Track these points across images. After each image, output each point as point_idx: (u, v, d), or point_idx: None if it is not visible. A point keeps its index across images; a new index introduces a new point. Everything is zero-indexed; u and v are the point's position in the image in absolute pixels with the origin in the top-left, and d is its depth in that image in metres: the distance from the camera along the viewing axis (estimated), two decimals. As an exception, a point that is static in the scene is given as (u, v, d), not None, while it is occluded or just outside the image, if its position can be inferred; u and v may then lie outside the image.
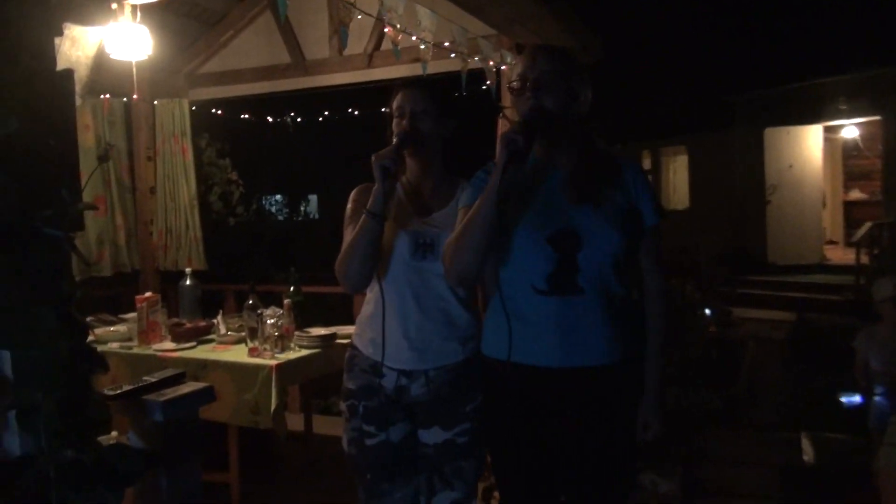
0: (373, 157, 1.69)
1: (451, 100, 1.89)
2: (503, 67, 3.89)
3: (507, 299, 1.67)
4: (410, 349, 1.79)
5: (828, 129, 10.59)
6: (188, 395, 1.55)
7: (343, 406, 1.88)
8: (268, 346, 2.95)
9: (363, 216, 1.71)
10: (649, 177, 11.87)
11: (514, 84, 1.67)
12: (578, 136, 1.71)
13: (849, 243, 10.29)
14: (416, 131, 1.78)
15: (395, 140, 1.77)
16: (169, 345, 3.15)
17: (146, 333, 3.19)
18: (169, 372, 1.67)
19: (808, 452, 3.68)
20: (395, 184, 1.77)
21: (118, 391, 1.56)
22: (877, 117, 9.57)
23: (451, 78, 3.88)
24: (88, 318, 3.39)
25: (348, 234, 1.80)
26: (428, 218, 1.83)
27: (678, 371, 4.74)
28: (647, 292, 1.76)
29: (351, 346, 1.93)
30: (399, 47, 3.20)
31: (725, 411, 4.85)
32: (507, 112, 3.87)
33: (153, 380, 1.61)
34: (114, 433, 1.80)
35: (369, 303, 1.87)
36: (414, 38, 3.35)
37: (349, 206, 1.87)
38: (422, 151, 1.82)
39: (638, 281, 1.78)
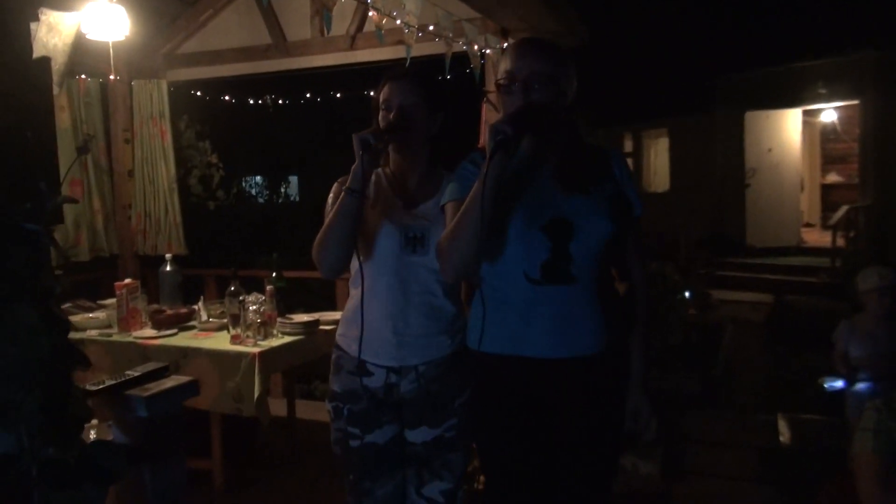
0: (354, 135, 1.65)
1: (440, 93, 1.84)
2: (487, 51, 3.86)
3: (498, 290, 1.67)
4: (399, 344, 1.77)
5: (806, 113, 10.68)
6: (172, 389, 1.53)
7: (328, 406, 1.87)
8: (250, 334, 2.93)
9: (342, 194, 1.67)
10: (630, 160, 11.96)
11: (502, 81, 1.65)
12: (565, 127, 1.71)
13: (825, 226, 10.44)
14: (405, 125, 1.74)
15: (381, 126, 1.73)
16: (149, 332, 3.12)
17: (126, 320, 3.15)
18: (152, 365, 1.65)
19: (784, 434, 3.74)
20: (377, 162, 1.71)
21: (100, 386, 1.53)
22: (855, 101, 9.66)
23: (434, 62, 3.85)
24: (66, 305, 3.33)
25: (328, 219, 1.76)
26: (415, 210, 1.81)
27: (658, 354, 4.80)
28: (632, 280, 1.78)
29: (335, 346, 1.89)
30: (382, 31, 3.16)
31: (704, 394, 4.92)
32: (491, 97, 3.85)
33: (136, 374, 1.58)
34: (94, 421, 1.78)
35: (354, 298, 1.83)
36: (398, 21, 3.30)
37: (330, 196, 1.84)
38: (409, 145, 1.79)
39: (620, 267, 1.80)
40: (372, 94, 1.87)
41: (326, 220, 1.73)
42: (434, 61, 3.83)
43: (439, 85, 1.88)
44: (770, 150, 10.27)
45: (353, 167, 1.65)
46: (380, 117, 1.79)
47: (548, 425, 1.70)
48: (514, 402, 1.69)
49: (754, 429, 4.12)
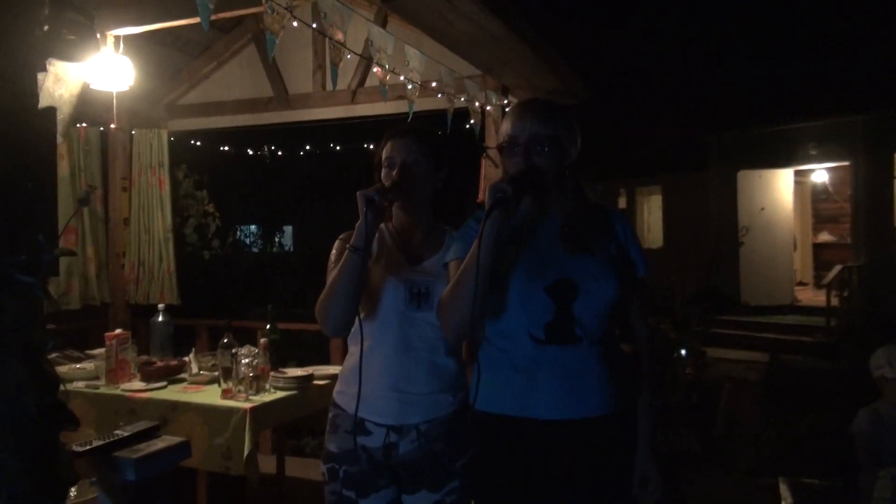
0: (358, 192, 1.63)
1: (443, 149, 1.84)
2: (488, 108, 3.90)
3: (502, 350, 1.64)
4: (400, 402, 1.72)
5: (798, 173, 10.85)
6: (163, 451, 1.46)
7: (323, 468, 1.80)
8: (242, 388, 2.85)
9: (346, 252, 1.64)
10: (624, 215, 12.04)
11: (504, 143, 1.65)
12: (569, 186, 1.70)
13: (819, 285, 10.48)
14: (408, 183, 1.72)
15: (385, 184, 1.72)
16: (138, 384, 3.03)
17: (115, 372, 3.06)
18: (143, 424, 1.58)
19: (787, 499, 3.64)
20: (381, 219, 1.69)
21: (87, 447, 1.46)
22: (846, 163, 9.82)
23: (435, 116, 3.88)
24: (54, 354, 3.25)
25: (331, 278, 1.72)
26: (419, 266, 1.78)
27: (659, 414, 4.72)
28: (637, 339, 1.75)
29: (333, 404, 1.83)
30: (386, 87, 3.19)
31: (704, 454, 4.83)
32: (491, 153, 3.88)
33: (125, 433, 1.51)
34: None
35: (354, 355, 1.78)
36: (402, 77, 3.34)
37: (333, 252, 1.81)
38: (412, 202, 1.78)
39: (624, 327, 1.77)
40: (372, 147, 1.87)
41: (330, 279, 1.70)
42: (435, 116, 3.87)
43: (441, 141, 1.87)
44: (763, 208, 10.38)
45: (357, 224, 1.63)
46: (382, 174, 1.78)
47: (552, 490, 1.64)
48: (519, 464, 1.64)
49: (756, 492, 4.03)
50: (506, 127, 1.67)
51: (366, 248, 1.62)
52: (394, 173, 1.73)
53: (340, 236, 1.82)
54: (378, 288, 1.73)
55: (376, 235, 1.78)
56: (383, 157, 1.78)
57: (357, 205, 1.63)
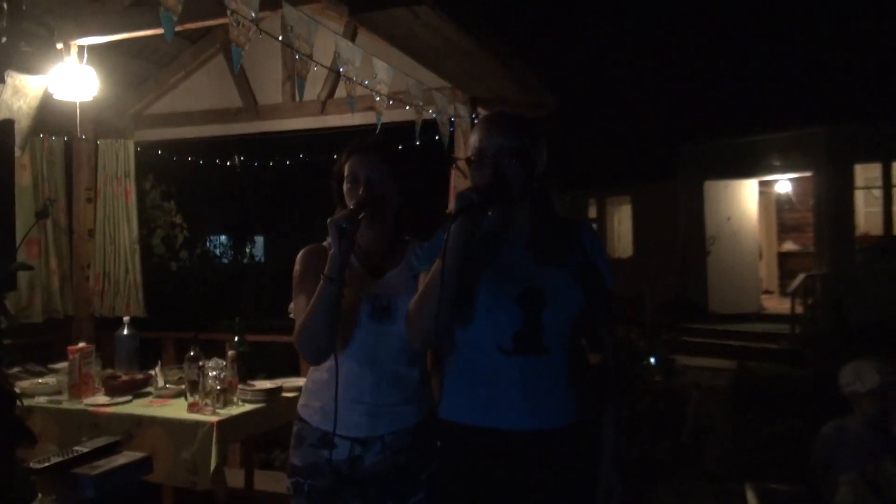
0: (328, 221, 1.63)
1: (405, 162, 1.84)
2: (456, 119, 3.93)
3: (469, 360, 1.66)
4: (366, 414, 1.72)
5: (762, 184, 11.09)
6: (123, 467, 1.44)
7: (288, 483, 1.78)
8: (209, 401, 2.81)
9: (322, 283, 1.63)
10: (594, 225, 12.19)
11: (473, 156, 1.68)
12: (537, 197, 1.72)
13: (784, 293, 10.69)
14: (374, 199, 1.72)
15: (350, 206, 1.71)
16: (102, 399, 2.98)
17: (78, 387, 3.01)
18: (103, 440, 1.55)
19: (752, 503, 3.69)
20: (353, 245, 1.68)
21: (45, 464, 1.43)
22: (808, 173, 10.06)
23: (404, 128, 3.90)
24: (15, 369, 3.18)
25: (301, 302, 1.72)
26: (381, 279, 1.79)
27: (626, 422, 4.77)
28: (603, 350, 1.77)
29: (297, 418, 1.82)
30: (354, 99, 3.20)
31: (672, 461, 4.88)
32: (460, 164, 3.90)
33: (85, 449, 1.49)
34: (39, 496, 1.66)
35: (319, 370, 1.78)
36: (370, 89, 3.35)
37: (297, 267, 1.80)
38: (378, 218, 1.77)
39: (590, 338, 1.78)
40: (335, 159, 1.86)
41: (302, 306, 1.69)
42: (404, 128, 3.88)
43: (404, 154, 1.88)
44: (729, 218, 10.58)
45: (331, 254, 1.63)
46: (345, 188, 1.77)
47: (518, 500, 1.65)
48: (484, 474, 1.64)
49: (723, 498, 4.08)
50: (474, 140, 1.70)
51: (341, 277, 1.62)
52: (360, 192, 1.72)
53: (304, 249, 1.81)
54: (343, 304, 1.72)
55: None
56: (346, 171, 1.77)
57: (327, 225, 1.63)
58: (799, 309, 9.01)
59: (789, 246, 12.08)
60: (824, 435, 2.80)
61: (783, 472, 4.10)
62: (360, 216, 1.66)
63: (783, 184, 11.57)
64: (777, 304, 10.76)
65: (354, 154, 1.78)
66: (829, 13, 10.67)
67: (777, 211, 12.22)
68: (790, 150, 9.96)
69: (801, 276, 9.23)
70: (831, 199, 9.59)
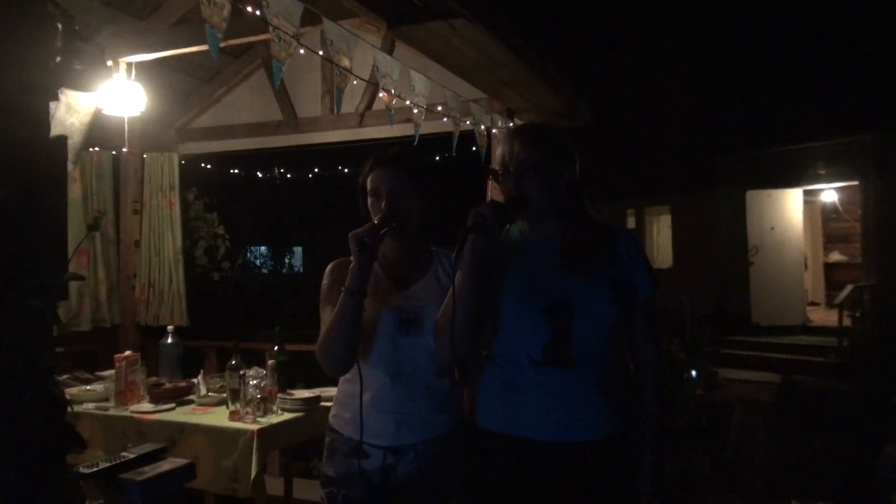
0: (350, 234, 1.62)
1: (427, 173, 1.82)
2: (493, 130, 3.94)
3: (503, 370, 1.66)
4: (396, 423, 1.73)
5: (807, 193, 10.81)
6: (168, 473, 1.47)
7: (322, 493, 1.80)
8: (249, 410, 2.86)
9: (342, 296, 1.64)
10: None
11: (498, 168, 1.68)
12: (568, 208, 1.71)
13: (831, 305, 10.38)
14: (396, 213, 1.71)
15: (374, 221, 1.70)
16: (147, 406, 3.05)
17: (123, 394, 3.09)
18: (149, 446, 1.60)
19: (799, 522, 3.59)
20: (374, 260, 1.68)
21: (94, 469, 1.48)
22: (855, 182, 9.79)
23: (442, 139, 3.92)
24: (64, 376, 3.28)
25: (326, 314, 1.73)
26: (407, 291, 1.79)
27: (667, 436, 4.68)
28: (642, 361, 1.73)
29: (329, 429, 1.83)
30: (392, 111, 3.23)
31: (714, 477, 4.77)
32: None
33: (132, 455, 1.53)
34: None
35: (348, 381, 1.79)
36: (407, 101, 3.38)
37: (325, 281, 1.81)
38: (402, 231, 1.76)
39: (631, 349, 1.76)
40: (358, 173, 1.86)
41: (327, 321, 1.70)
42: (441, 139, 3.91)
43: (425, 166, 1.85)
44: (772, 228, 10.34)
45: (351, 267, 1.64)
46: (369, 203, 1.77)
47: None
48: (517, 483, 1.64)
49: (767, 516, 3.98)
50: (499, 153, 1.70)
51: (361, 290, 1.63)
52: (382, 206, 1.72)
53: (332, 263, 1.82)
54: (368, 316, 1.73)
55: None
56: (368, 186, 1.77)
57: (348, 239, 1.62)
58: (847, 321, 8.73)
59: (836, 256, 11.74)
60: (889, 453, 2.79)
61: (828, 489, 3.98)
62: (382, 231, 1.66)
63: (829, 193, 11.27)
64: (824, 316, 10.46)
65: (376, 167, 1.78)
66: (874, 18, 10.40)
67: (823, 220, 11.90)
68: (836, 159, 9.70)
69: (848, 288, 8.95)
70: (880, 209, 9.31)
